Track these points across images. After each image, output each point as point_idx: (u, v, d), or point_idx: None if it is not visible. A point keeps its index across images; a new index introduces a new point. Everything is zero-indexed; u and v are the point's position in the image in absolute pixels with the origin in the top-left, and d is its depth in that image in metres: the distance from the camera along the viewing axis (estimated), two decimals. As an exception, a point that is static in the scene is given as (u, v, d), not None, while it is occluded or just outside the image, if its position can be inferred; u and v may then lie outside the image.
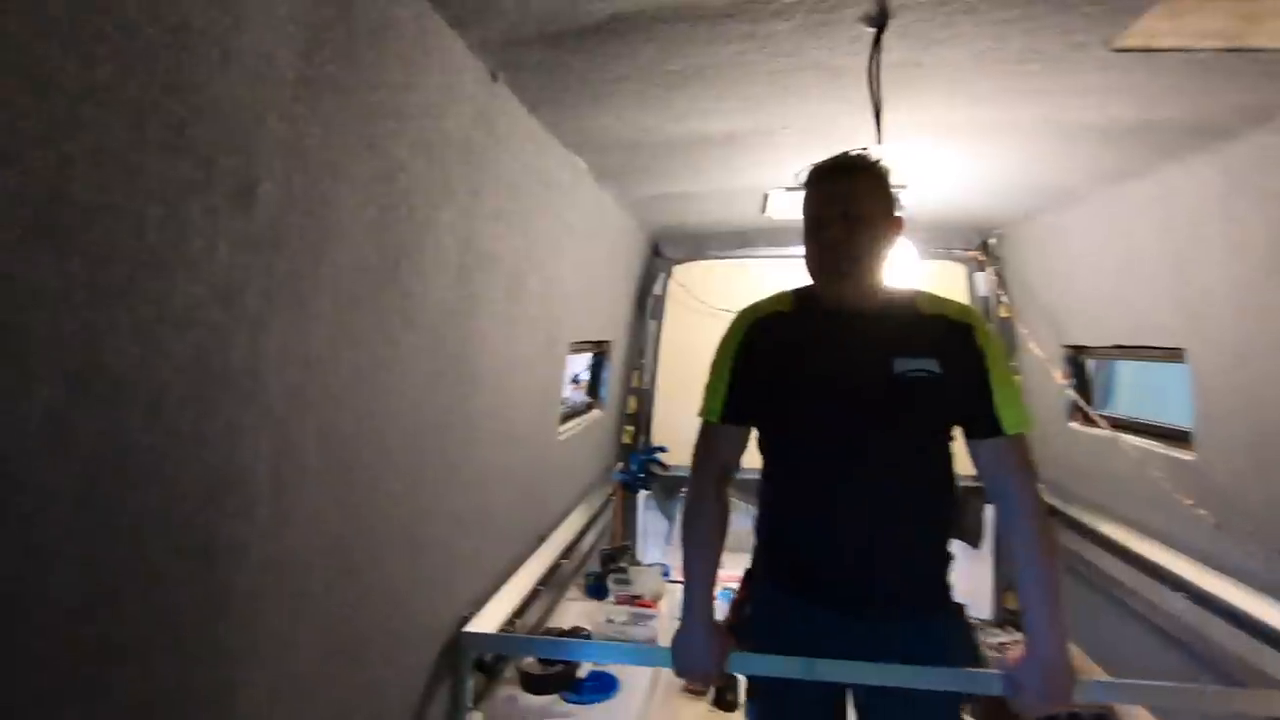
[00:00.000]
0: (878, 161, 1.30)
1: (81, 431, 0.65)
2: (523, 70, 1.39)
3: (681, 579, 1.45)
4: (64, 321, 0.62)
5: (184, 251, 0.74)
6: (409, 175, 1.16)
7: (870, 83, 1.33)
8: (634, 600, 2.38)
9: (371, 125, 1.02)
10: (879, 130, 1.48)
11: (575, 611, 2.36)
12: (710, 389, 1.43)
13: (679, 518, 3.68)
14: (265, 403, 0.89)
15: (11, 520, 0.60)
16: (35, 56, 0.56)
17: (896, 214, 1.30)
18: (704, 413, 1.43)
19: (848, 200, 1.25)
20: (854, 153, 1.31)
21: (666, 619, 2.37)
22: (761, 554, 1.46)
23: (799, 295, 1.41)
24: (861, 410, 1.28)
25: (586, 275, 2.48)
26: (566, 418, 2.72)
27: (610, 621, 2.15)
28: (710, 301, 3.62)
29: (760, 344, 1.38)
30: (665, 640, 1.44)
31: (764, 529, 1.45)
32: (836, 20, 1.16)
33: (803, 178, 1.34)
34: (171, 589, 0.78)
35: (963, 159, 1.99)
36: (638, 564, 2.91)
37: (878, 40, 1.21)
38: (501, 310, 1.71)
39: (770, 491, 1.43)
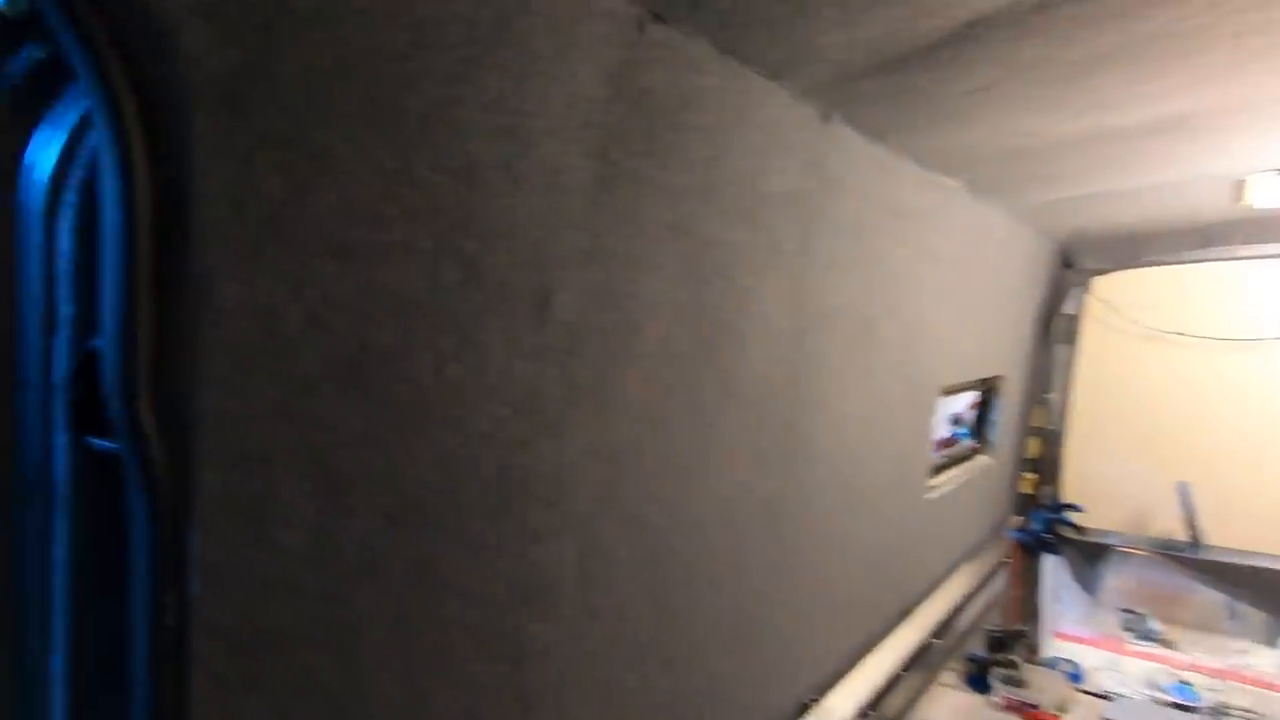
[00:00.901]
0: None
1: (393, 557, 0.71)
2: (860, 104, 1.20)
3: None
4: (372, 460, 0.68)
5: (481, 376, 0.77)
6: (723, 248, 1.07)
7: None
8: (1026, 709, 1.92)
9: (676, 208, 0.97)
10: None
11: (949, 706, 2.01)
12: None
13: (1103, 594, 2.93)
14: (568, 505, 0.90)
15: (335, 640, 0.67)
16: (337, 231, 0.62)
17: None
18: None
19: None
20: None
21: (1075, 743, 1.86)
22: None
23: None
24: None
25: (964, 304, 2.11)
26: (940, 469, 2.35)
27: (992, 733, 1.77)
28: (1145, 319, 2.80)
29: None
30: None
31: None
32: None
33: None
34: (480, 690, 0.82)
35: None
36: (1035, 659, 2.37)
37: None
38: (843, 366, 1.52)
39: None
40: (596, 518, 0.95)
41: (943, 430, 2.63)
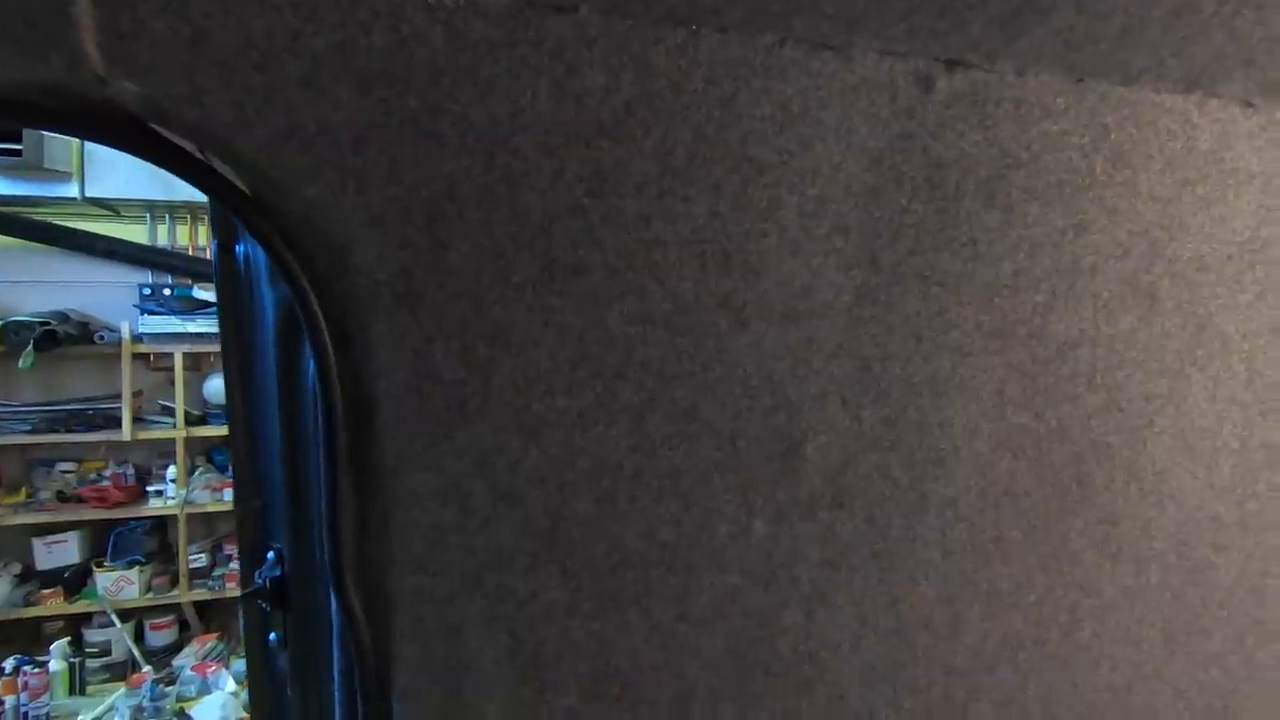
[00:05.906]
0: None
1: (598, 734, 0.65)
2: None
3: None
4: (573, 632, 0.63)
5: (705, 544, 0.66)
6: (1097, 347, 0.74)
7: None
8: None
9: (1000, 308, 0.70)
10: None
11: None
12: None
13: None
14: (830, 690, 0.72)
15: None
16: (523, 404, 0.59)
17: None
18: None
19: None
20: None
21: None
22: None
23: None
24: None
25: None
26: None
27: None
28: None
29: None
30: None
31: None
32: None
33: None
34: None
35: None
36: None
37: None
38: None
39: None
40: (878, 709, 0.74)
41: None
